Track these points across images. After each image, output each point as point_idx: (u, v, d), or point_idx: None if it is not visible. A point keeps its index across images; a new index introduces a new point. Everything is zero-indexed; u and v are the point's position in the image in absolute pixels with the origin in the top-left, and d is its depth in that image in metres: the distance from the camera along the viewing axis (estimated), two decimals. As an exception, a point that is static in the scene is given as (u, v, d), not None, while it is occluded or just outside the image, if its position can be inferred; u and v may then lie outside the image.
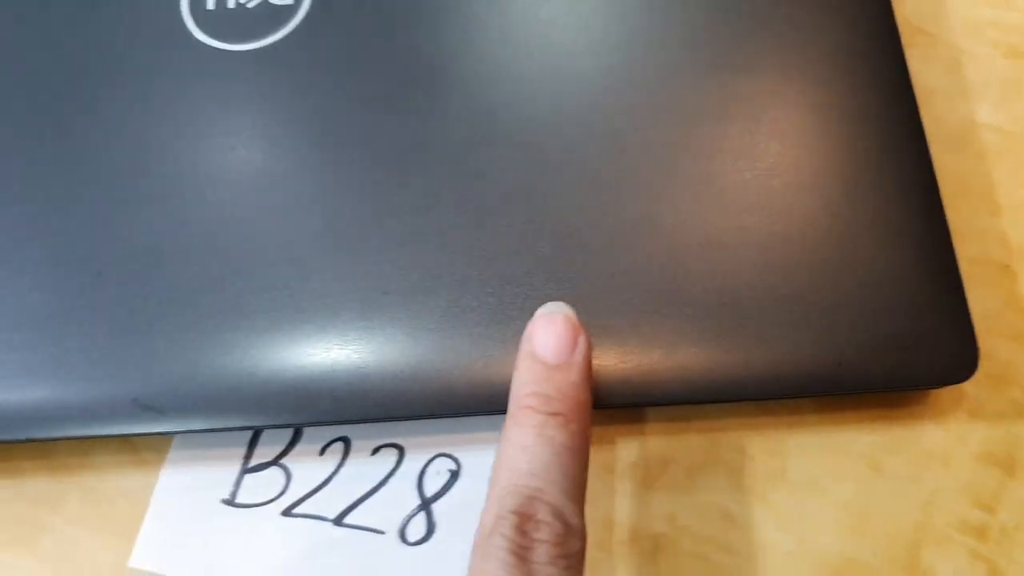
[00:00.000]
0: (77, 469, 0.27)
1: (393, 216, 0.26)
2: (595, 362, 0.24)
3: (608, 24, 0.28)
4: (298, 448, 0.26)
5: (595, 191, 0.26)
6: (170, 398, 0.24)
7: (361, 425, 0.26)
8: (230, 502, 0.26)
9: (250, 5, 0.29)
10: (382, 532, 0.25)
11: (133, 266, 0.26)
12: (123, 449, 0.27)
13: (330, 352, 0.24)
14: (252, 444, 0.26)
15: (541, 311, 0.23)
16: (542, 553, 0.19)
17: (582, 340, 0.22)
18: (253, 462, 0.26)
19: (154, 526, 0.26)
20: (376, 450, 0.26)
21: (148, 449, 0.27)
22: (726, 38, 0.28)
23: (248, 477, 0.26)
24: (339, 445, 0.26)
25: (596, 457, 0.26)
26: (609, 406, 0.24)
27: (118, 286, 0.25)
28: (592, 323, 0.24)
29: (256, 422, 0.25)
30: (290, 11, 0.29)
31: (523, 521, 0.19)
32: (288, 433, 0.26)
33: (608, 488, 0.26)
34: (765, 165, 0.26)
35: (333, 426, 0.26)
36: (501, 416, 0.22)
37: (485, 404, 0.24)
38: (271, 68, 0.28)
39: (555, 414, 0.21)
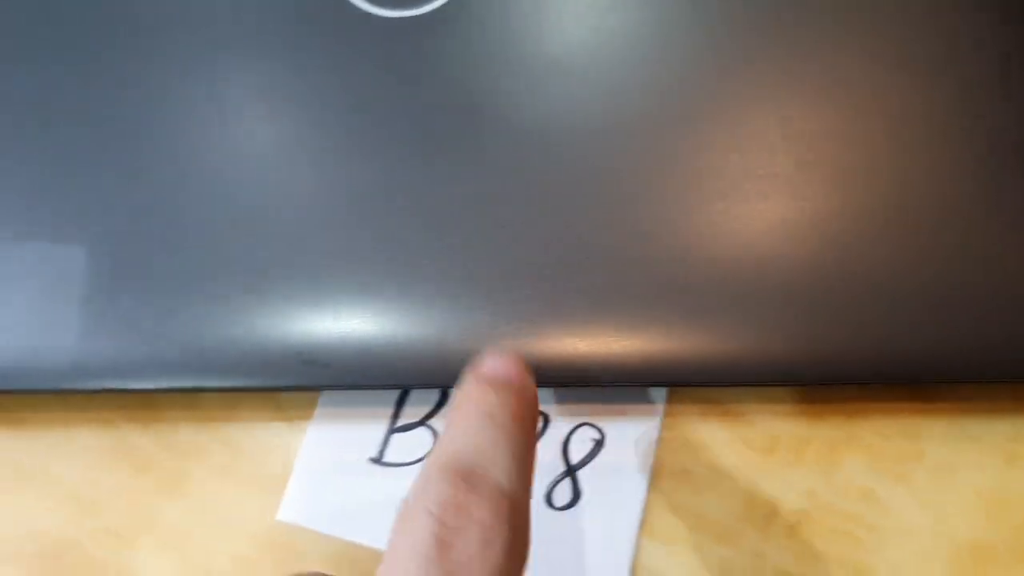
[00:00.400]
0: (223, 422, 0.27)
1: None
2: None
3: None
4: (445, 410, 0.27)
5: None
6: (331, 354, 0.25)
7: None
8: (377, 460, 0.26)
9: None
10: (529, 498, 0.25)
11: (302, 225, 0.26)
12: (268, 405, 0.27)
13: (481, 321, 0.25)
14: (399, 404, 0.27)
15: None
16: (473, 537, 0.16)
17: (524, 369, 0.21)
18: (400, 422, 0.26)
19: (302, 481, 0.26)
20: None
21: (293, 406, 0.27)
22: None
23: (395, 437, 0.26)
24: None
25: (736, 432, 0.27)
26: (769, 383, 0.25)
27: (291, 242, 0.26)
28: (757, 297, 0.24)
29: (409, 382, 0.25)
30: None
31: (457, 495, 0.17)
32: (435, 395, 0.27)
33: (750, 463, 0.26)
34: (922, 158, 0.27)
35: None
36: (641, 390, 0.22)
37: (632, 376, 0.25)
38: (418, 33, 0.28)
39: (497, 399, 0.19)
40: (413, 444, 0.26)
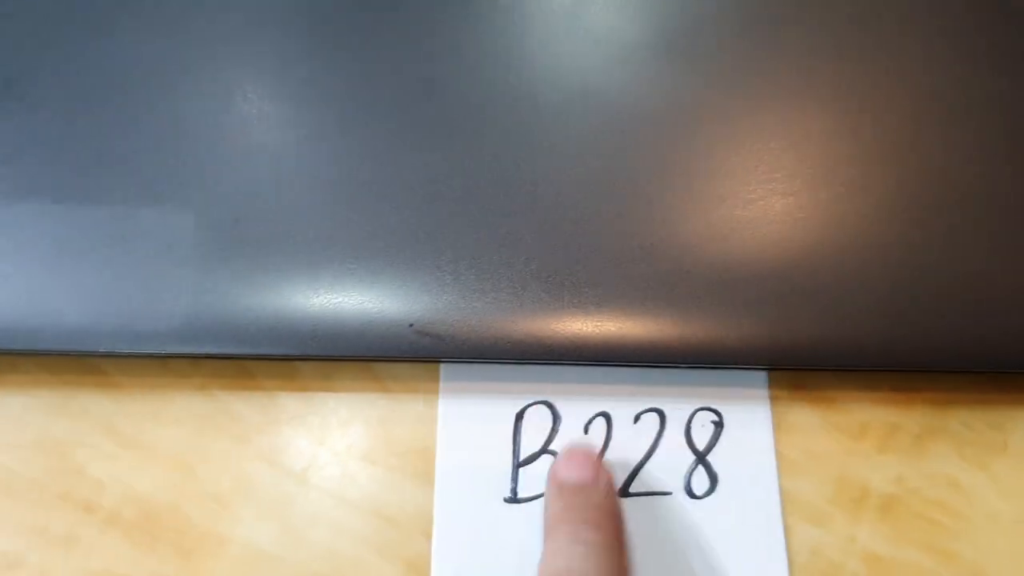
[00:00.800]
0: (319, 392, 0.27)
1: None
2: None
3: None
4: (561, 431, 0.27)
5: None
6: (444, 327, 0.25)
7: (618, 397, 0.27)
8: (513, 499, 0.26)
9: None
10: (669, 493, 0.26)
11: (411, 199, 0.26)
12: (365, 376, 0.27)
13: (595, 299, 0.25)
14: (515, 435, 0.27)
15: (563, 450, 0.25)
16: None
17: (603, 469, 0.24)
18: (523, 455, 0.26)
19: (446, 543, 0.25)
20: (637, 418, 0.27)
21: (391, 378, 0.27)
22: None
23: (522, 471, 0.26)
24: (600, 421, 0.27)
25: (827, 417, 0.27)
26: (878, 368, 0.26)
27: (419, 216, 0.26)
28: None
29: (527, 358, 0.25)
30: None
31: None
32: (548, 417, 0.27)
33: (841, 447, 0.27)
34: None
35: (592, 400, 0.27)
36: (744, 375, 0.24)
37: (739, 358, 0.25)
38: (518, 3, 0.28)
39: (586, 521, 0.22)
40: (543, 472, 0.26)
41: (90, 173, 0.26)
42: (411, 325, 0.25)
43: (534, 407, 0.27)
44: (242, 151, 0.26)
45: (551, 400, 0.27)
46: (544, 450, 0.26)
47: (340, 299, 0.25)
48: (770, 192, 0.26)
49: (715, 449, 0.26)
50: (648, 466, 0.26)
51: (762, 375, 0.27)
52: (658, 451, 0.26)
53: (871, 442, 0.27)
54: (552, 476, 0.24)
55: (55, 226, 0.26)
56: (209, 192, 0.26)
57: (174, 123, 0.27)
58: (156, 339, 0.25)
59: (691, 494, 0.26)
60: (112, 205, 0.26)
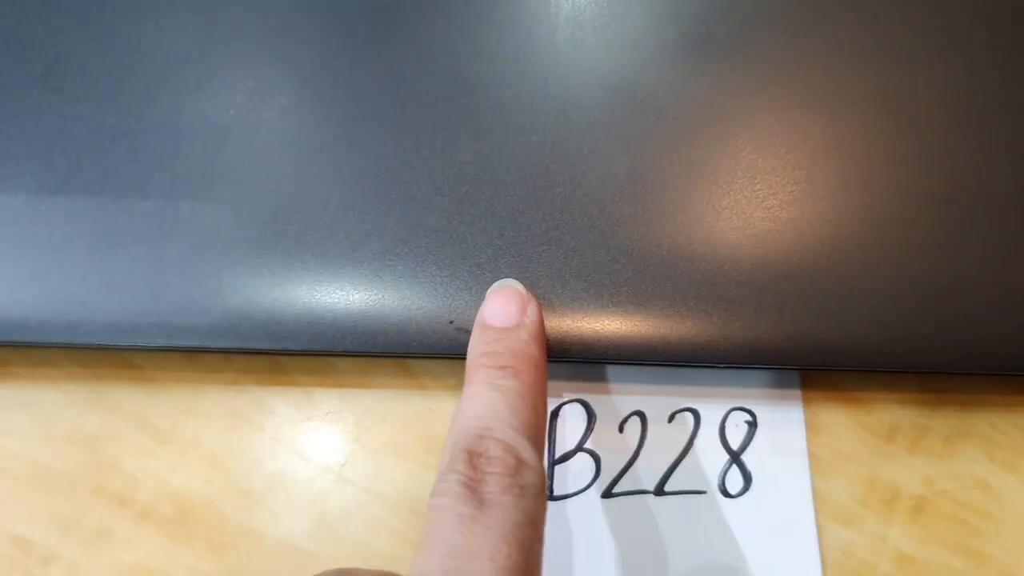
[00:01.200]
0: (355, 388, 0.27)
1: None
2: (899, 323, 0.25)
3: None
4: (596, 430, 0.27)
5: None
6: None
7: (653, 396, 0.27)
8: (548, 497, 0.26)
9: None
10: (703, 492, 0.26)
11: (476, 199, 0.26)
12: (400, 373, 0.27)
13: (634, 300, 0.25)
14: (551, 433, 0.27)
15: (491, 287, 0.24)
16: (494, 483, 0.19)
17: (531, 307, 0.24)
18: (558, 453, 0.27)
19: None
20: (672, 417, 0.27)
21: (427, 375, 0.27)
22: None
23: (558, 468, 0.26)
24: (635, 419, 0.27)
25: (856, 418, 0.28)
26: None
27: (459, 213, 0.26)
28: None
29: (566, 356, 0.25)
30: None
31: (473, 457, 0.19)
32: (583, 415, 0.27)
33: (871, 448, 0.27)
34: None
35: (627, 399, 0.27)
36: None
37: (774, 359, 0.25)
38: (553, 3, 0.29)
39: (504, 367, 0.22)
40: (578, 471, 0.26)
41: (129, 166, 0.26)
42: (451, 322, 0.25)
43: (569, 405, 0.27)
44: (281, 146, 0.26)
45: (586, 399, 0.27)
46: (580, 448, 0.27)
47: (380, 295, 0.25)
48: (806, 193, 0.27)
49: (749, 449, 0.27)
50: (683, 465, 0.26)
51: (795, 376, 0.28)
52: (692, 450, 0.27)
53: (901, 444, 0.27)
54: (478, 315, 0.24)
55: (93, 220, 0.26)
56: (248, 187, 0.26)
57: (213, 117, 0.27)
58: (194, 334, 0.25)
59: (725, 493, 0.26)
60: (150, 199, 0.26)
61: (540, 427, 0.21)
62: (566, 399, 0.27)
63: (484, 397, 0.21)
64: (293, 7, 0.28)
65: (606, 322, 0.25)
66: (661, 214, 0.26)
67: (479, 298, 0.25)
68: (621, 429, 0.27)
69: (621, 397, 0.27)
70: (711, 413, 0.27)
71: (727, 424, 0.27)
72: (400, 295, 0.25)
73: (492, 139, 0.27)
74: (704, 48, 0.28)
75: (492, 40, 0.28)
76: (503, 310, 0.23)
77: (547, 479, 0.21)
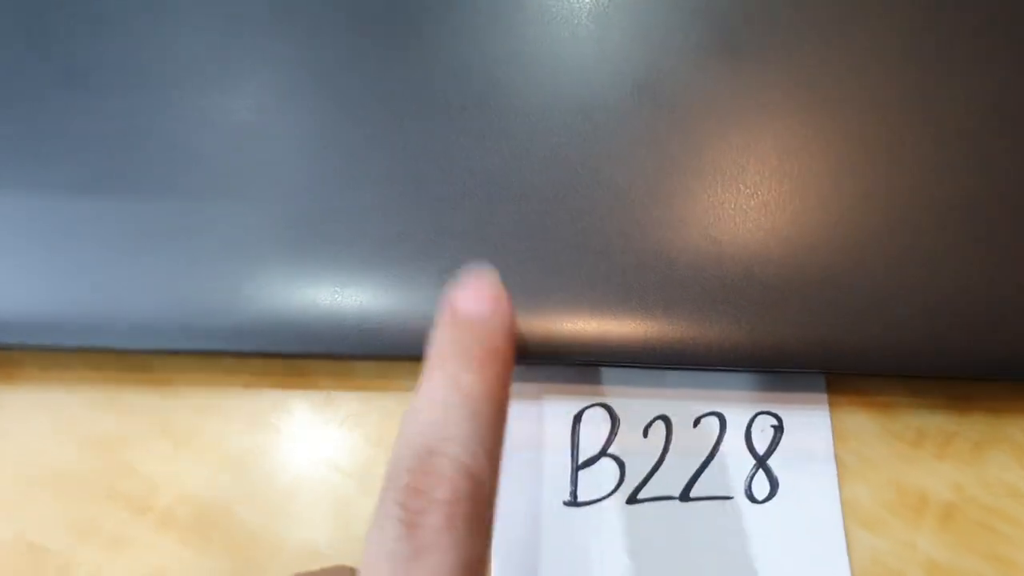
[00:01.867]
0: (376, 391, 0.27)
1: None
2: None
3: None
4: (620, 435, 0.26)
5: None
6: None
7: (677, 400, 0.27)
8: (572, 503, 0.26)
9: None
10: (730, 497, 0.26)
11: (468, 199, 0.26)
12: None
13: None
14: (573, 437, 0.26)
15: (463, 275, 0.22)
16: (436, 517, 0.17)
17: (504, 299, 0.22)
18: (581, 458, 0.26)
19: (504, 548, 0.25)
20: (697, 421, 0.26)
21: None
22: None
23: (582, 474, 0.26)
24: (659, 424, 0.26)
25: (883, 424, 0.27)
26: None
27: (484, 216, 0.25)
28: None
29: (593, 359, 0.25)
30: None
31: (418, 478, 0.17)
32: (607, 419, 0.27)
33: (898, 454, 0.27)
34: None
35: (651, 403, 0.27)
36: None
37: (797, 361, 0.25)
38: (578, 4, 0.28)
39: (471, 360, 0.19)
40: (601, 477, 0.26)
41: (154, 166, 0.26)
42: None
43: (592, 409, 0.27)
44: (308, 148, 0.26)
45: (609, 403, 0.27)
46: (603, 453, 0.26)
47: (405, 298, 0.25)
48: (832, 198, 0.26)
49: (775, 453, 0.26)
50: (708, 470, 0.26)
51: (821, 381, 0.27)
52: (718, 455, 0.26)
53: (928, 449, 0.27)
54: (446, 302, 0.21)
55: (116, 221, 0.25)
56: (274, 188, 0.26)
57: (240, 117, 0.26)
58: (217, 337, 0.24)
59: (752, 498, 0.26)
60: (174, 200, 0.25)
61: (500, 437, 0.19)
62: (588, 403, 0.27)
63: (442, 398, 0.19)
64: (320, 6, 0.28)
65: (633, 326, 0.25)
66: (688, 217, 0.26)
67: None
68: (645, 434, 0.26)
69: (645, 401, 0.27)
70: (737, 417, 0.27)
71: (753, 428, 0.26)
72: (425, 298, 0.25)
73: (518, 141, 0.26)
74: (732, 49, 0.28)
75: (517, 40, 0.28)
76: (476, 298, 0.21)
77: (495, 494, 0.19)
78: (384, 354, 0.25)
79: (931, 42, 0.28)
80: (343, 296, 0.25)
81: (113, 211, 0.25)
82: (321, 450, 0.26)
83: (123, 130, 0.26)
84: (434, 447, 0.17)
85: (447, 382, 0.19)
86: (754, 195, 0.26)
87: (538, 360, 0.25)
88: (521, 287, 0.25)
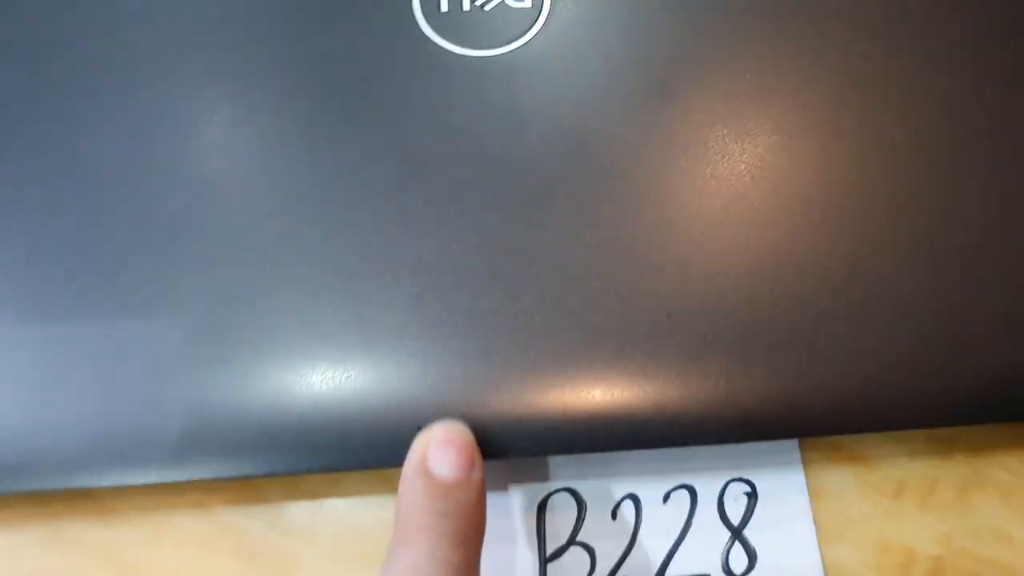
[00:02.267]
0: (328, 498, 0.26)
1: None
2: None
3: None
4: (587, 520, 0.25)
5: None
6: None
7: (644, 476, 0.25)
8: None
9: (487, 8, 0.27)
10: (707, 574, 0.24)
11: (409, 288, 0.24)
12: (372, 477, 0.26)
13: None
14: (539, 528, 0.25)
15: (434, 427, 0.22)
16: None
17: (478, 459, 0.21)
18: (549, 549, 0.25)
19: None
20: (667, 497, 0.25)
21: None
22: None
23: (551, 566, 0.25)
24: (628, 504, 0.25)
25: (861, 477, 0.26)
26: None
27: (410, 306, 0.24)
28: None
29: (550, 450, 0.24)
30: (527, 16, 0.27)
31: None
32: (573, 505, 0.25)
33: (879, 509, 0.26)
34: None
35: (618, 482, 0.26)
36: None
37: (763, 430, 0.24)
38: (503, 73, 0.27)
39: (455, 531, 0.19)
40: (573, 566, 0.25)
41: (66, 286, 0.24)
42: (419, 427, 0.23)
43: (557, 495, 0.25)
44: (225, 252, 0.25)
45: (574, 486, 0.26)
46: (572, 542, 0.25)
47: (340, 407, 0.23)
48: (796, 252, 0.25)
49: (751, 522, 0.25)
50: (683, 547, 0.25)
51: (793, 440, 0.26)
52: (692, 530, 0.25)
53: (910, 499, 0.26)
54: (419, 460, 0.21)
55: (31, 350, 0.24)
56: (196, 299, 0.24)
57: (152, 225, 0.25)
58: (151, 467, 0.23)
59: (729, 573, 0.25)
60: (93, 321, 0.24)
61: None
62: (554, 488, 0.25)
63: (427, 571, 0.18)
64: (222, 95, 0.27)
65: (590, 408, 0.23)
66: (636, 285, 0.25)
67: (447, 404, 0.23)
68: (614, 515, 0.25)
69: (612, 480, 0.26)
70: (708, 488, 0.26)
71: (726, 498, 0.25)
72: (363, 405, 0.23)
73: (449, 219, 0.25)
74: (662, 98, 0.26)
75: (443, 110, 0.26)
76: (455, 461, 0.21)
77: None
78: (328, 467, 0.23)
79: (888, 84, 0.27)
80: (278, 409, 0.23)
81: (35, 338, 0.24)
82: (278, 567, 0.25)
83: (38, 245, 0.25)
84: None
85: (433, 555, 0.19)
86: (708, 259, 0.25)
87: (503, 456, 0.24)
88: (467, 378, 0.24)
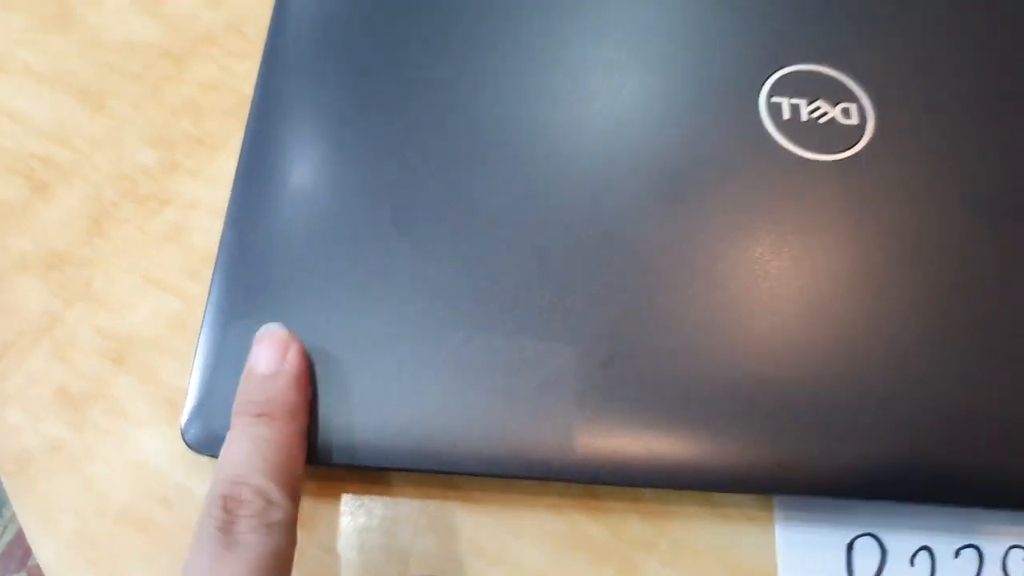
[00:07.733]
0: (664, 516, 0.30)
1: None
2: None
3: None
4: (888, 563, 0.29)
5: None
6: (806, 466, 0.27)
7: (937, 531, 0.29)
8: None
9: (821, 120, 0.33)
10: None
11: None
12: (704, 502, 0.30)
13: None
14: (848, 565, 0.29)
15: (258, 331, 0.26)
16: (244, 525, 0.22)
17: (292, 351, 0.26)
18: None
19: None
20: (957, 552, 0.29)
21: (730, 505, 0.30)
22: None
23: None
24: (924, 554, 0.29)
25: None
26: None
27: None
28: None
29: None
30: (855, 132, 0.33)
31: (227, 502, 0.22)
32: (877, 549, 0.29)
33: None
34: None
35: (915, 533, 0.29)
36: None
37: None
38: (835, 180, 0.32)
39: (260, 415, 0.24)
40: None
41: (476, 306, 0.29)
42: (779, 464, 0.27)
43: (862, 539, 0.29)
44: (620, 289, 0.29)
45: (877, 533, 0.29)
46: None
47: (708, 435, 0.28)
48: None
49: (1027, 585, 0.29)
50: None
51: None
52: (977, 585, 0.29)
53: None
54: (248, 360, 0.26)
55: (451, 356, 0.28)
56: (588, 327, 0.29)
57: (546, 256, 0.30)
58: (541, 467, 0.27)
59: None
60: (499, 337, 0.29)
61: (292, 470, 0.24)
62: (859, 532, 0.29)
63: (240, 446, 0.24)
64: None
65: (906, 460, 0.28)
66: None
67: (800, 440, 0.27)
68: (912, 562, 0.29)
69: (909, 531, 0.29)
70: (993, 548, 0.29)
71: (1008, 561, 0.29)
72: (727, 435, 0.28)
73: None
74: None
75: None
76: (265, 357, 0.26)
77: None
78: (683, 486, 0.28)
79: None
80: (655, 435, 0.28)
81: (453, 347, 0.28)
82: (623, 572, 0.28)
83: (452, 271, 0.30)
84: (236, 480, 0.23)
85: (244, 433, 0.24)
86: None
87: (830, 495, 0.28)
88: (817, 429, 0.28)
